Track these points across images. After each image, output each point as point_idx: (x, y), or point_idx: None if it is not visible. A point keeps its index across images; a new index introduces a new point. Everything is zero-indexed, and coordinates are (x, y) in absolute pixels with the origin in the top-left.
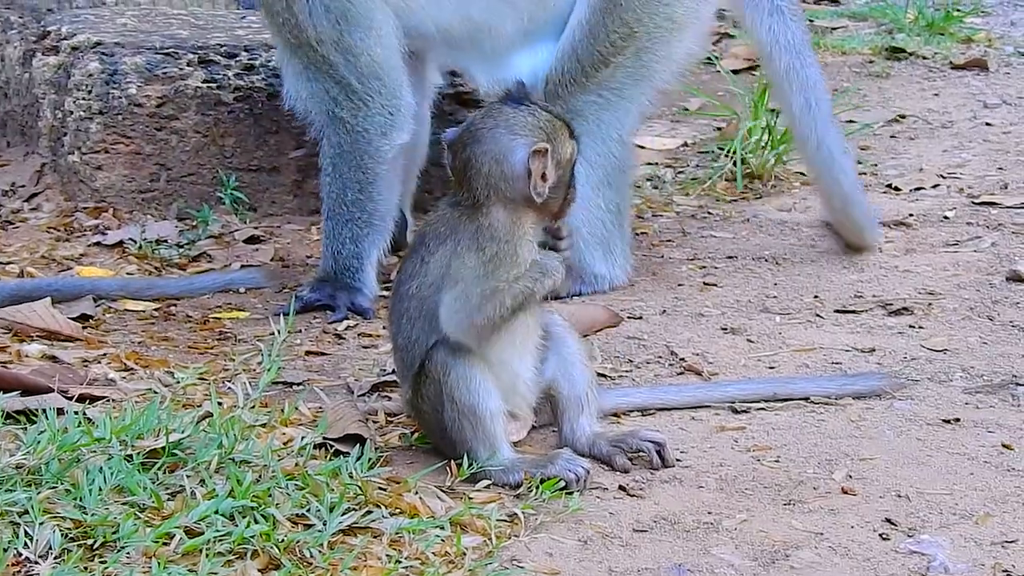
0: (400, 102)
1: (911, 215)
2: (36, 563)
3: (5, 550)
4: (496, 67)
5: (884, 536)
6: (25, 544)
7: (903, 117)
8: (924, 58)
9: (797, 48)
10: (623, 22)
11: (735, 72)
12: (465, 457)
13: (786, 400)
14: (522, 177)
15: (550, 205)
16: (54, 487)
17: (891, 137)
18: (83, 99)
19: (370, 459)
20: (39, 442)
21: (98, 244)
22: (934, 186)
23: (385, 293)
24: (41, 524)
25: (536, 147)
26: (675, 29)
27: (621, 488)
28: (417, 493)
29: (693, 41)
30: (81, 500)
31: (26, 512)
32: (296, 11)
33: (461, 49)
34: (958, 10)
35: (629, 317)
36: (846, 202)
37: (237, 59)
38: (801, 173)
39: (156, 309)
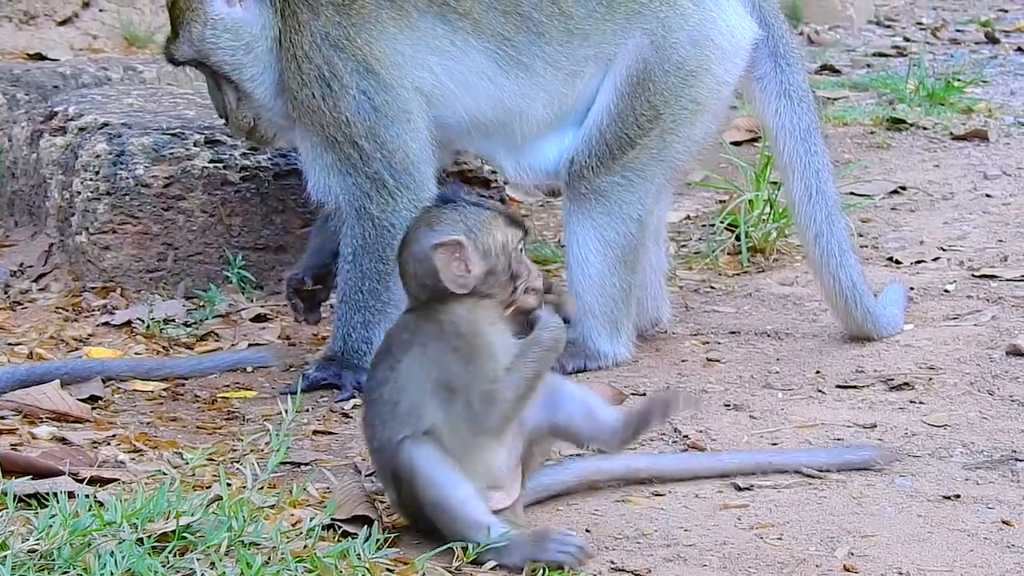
0: (426, 195)
1: (912, 288)
2: None
3: None
4: (523, 154)
5: None
6: None
7: (904, 188)
8: (925, 128)
9: (803, 135)
10: (650, 105)
11: (736, 144)
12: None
13: (781, 471)
14: (439, 270)
15: (495, 295)
16: (66, 572)
17: (892, 209)
18: (91, 179)
19: (378, 540)
20: (51, 527)
21: (106, 324)
22: (935, 259)
23: None
24: None
25: (438, 240)
26: (699, 110)
27: (621, 570)
28: (424, 575)
29: (713, 121)
30: None
31: None
32: (343, 108)
33: (489, 137)
34: (959, 80)
35: (632, 394)
36: (846, 299)
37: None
38: (802, 246)
39: (165, 389)
